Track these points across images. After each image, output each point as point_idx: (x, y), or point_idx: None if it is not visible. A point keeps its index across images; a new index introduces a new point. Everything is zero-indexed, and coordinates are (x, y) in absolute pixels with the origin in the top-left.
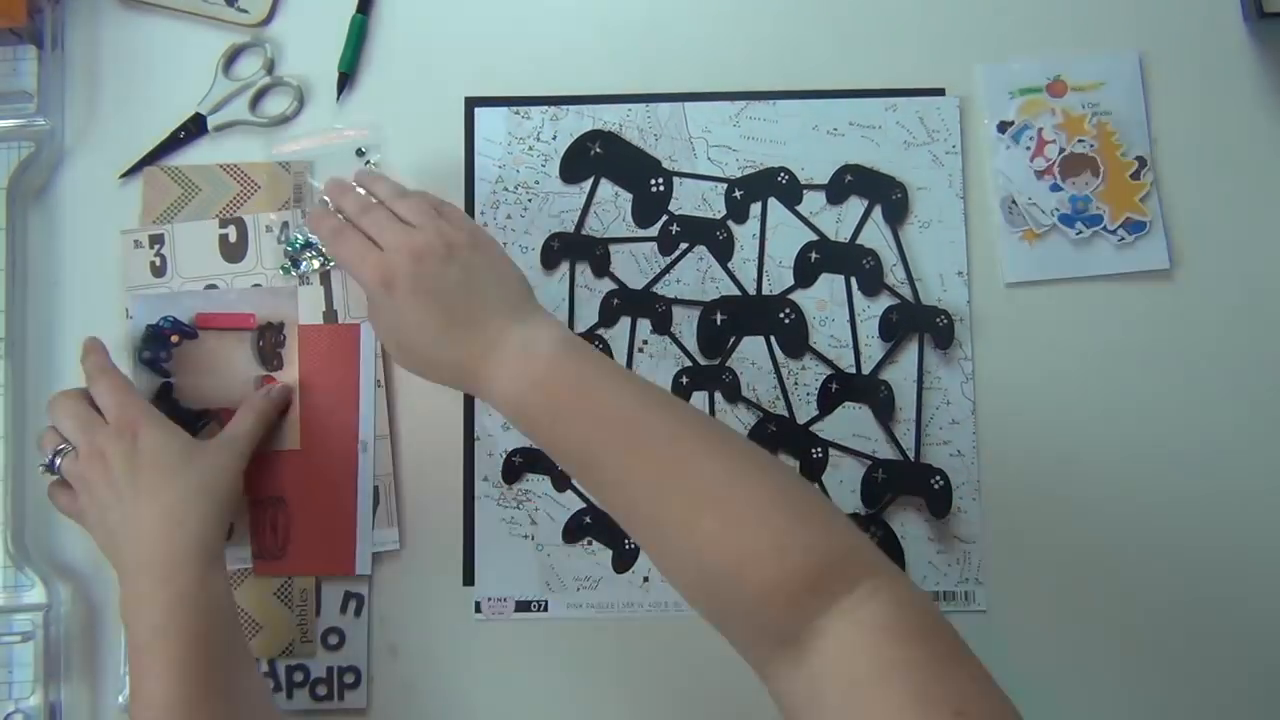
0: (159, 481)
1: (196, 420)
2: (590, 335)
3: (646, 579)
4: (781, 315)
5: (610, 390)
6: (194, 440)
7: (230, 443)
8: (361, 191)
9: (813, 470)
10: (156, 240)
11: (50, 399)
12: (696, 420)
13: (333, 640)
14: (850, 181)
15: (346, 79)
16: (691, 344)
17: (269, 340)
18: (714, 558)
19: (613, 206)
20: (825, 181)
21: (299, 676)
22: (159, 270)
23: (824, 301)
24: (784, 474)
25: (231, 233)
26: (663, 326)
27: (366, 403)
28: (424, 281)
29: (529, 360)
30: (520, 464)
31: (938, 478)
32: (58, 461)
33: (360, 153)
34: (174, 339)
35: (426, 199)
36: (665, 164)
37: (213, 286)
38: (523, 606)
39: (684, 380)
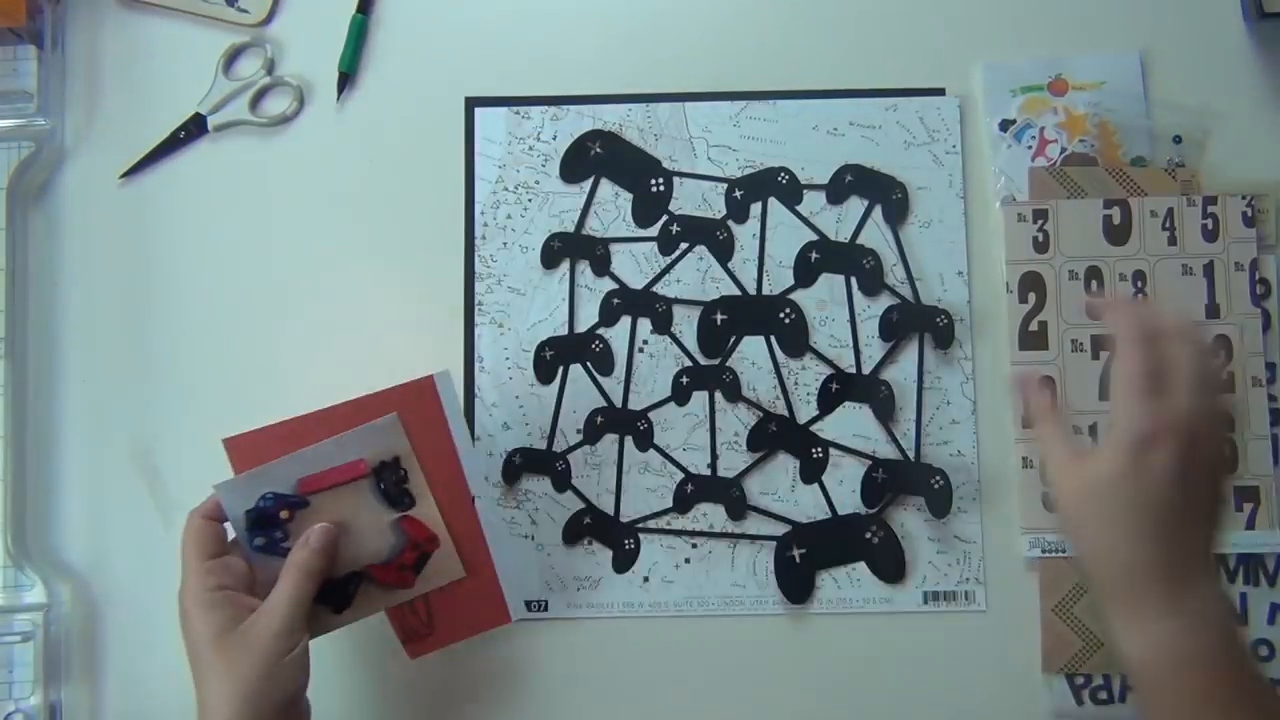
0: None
1: (347, 587)
2: (590, 335)
3: (646, 579)
4: (782, 315)
5: (1258, 695)
6: (221, 632)
7: (266, 619)
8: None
9: (813, 470)
10: (1039, 215)
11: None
12: None
13: None
14: (850, 181)
15: (346, 79)
16: (692, 344)
17: (390, 481)
18: None
19: (613, 206)
20: (825, 181)
21: None
22: (1040, 246)
23: (824, 301)
24: None
25: (1115, 215)
26: (663, 326)
27: (466, 454)
28: (1185, 472)
29: (1202, 631)
30: (520, 464)
31: (938, 478)
32: None
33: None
34: (284, 515)
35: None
36: (665, 164)
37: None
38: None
39: (684, 380)
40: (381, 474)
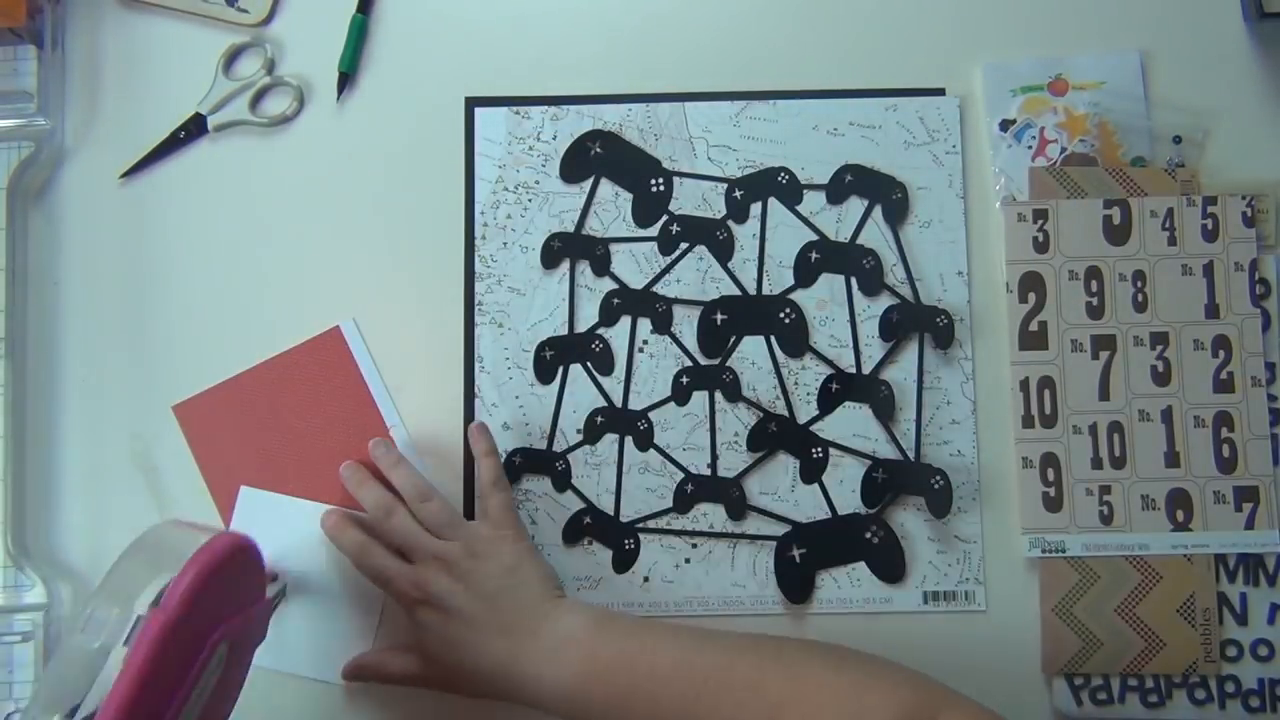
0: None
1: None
2: (590, 335)
3: (647, 579)
4: (782, 315)
5: (655, 642)
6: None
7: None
8: (376, 492)
9: (813, 470)
10: (1039, 215)
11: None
12: (741, 638)
13: None
14: (850, 181)
15: (346, 79)
16: (692, 344)
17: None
18: None
19: (613, 206)
20: (825, 181)
21: None
22: (1040, 246)
23: (824, 301)
24: (836, 650)
25: (1115, 215)
26: (663, 326)
27: (378, 392)
28: (453, 598)
29: (572, 647)
30: (520, 464)
31: (938, 478)
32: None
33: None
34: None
35: (446, 505)
36: (665, 164)
37: None
38: None
39: (684, 380)
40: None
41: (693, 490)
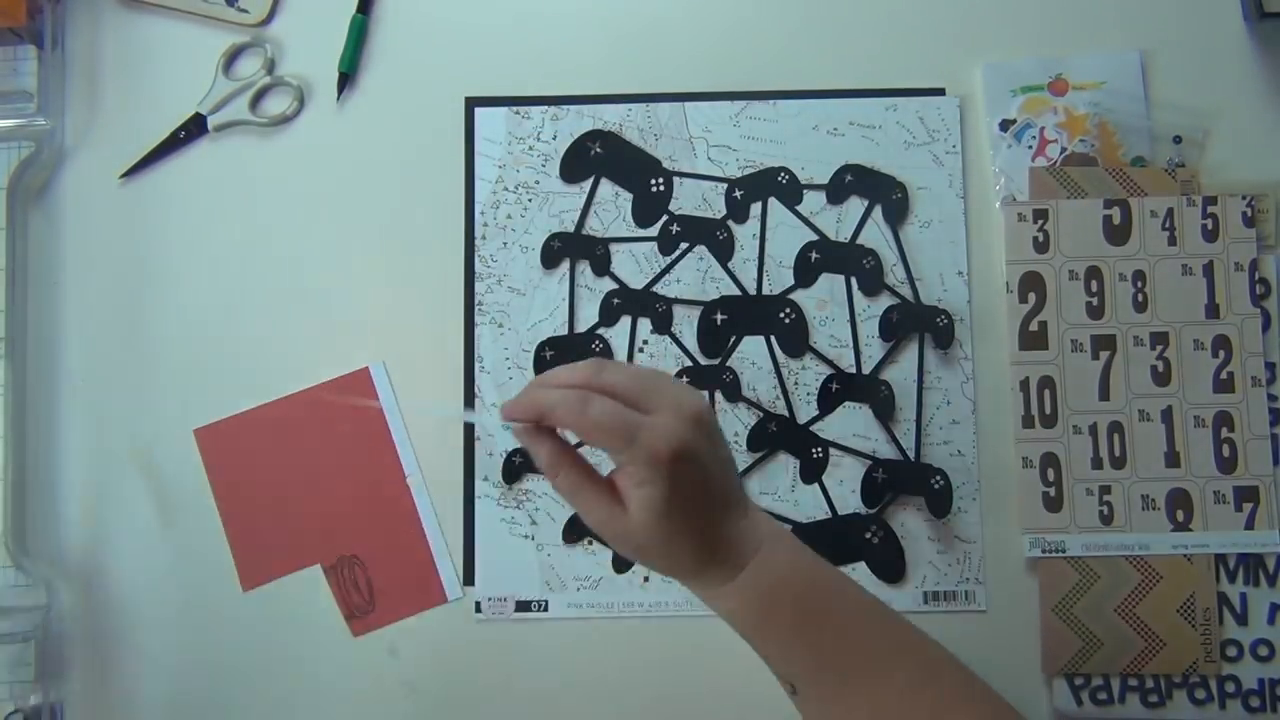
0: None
1: None
2: (590, 335)
3: (646, 579)
4: (782, 315)
5: (852, 599)
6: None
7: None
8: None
9: (813, 470)
10: (1039, 215)
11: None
12: (920, 640)
13: None
14: (850, 181)
15: (346, 79)
16: (692, 344)
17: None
18: None
19: (613, 206)
20: (825, 181)
21: None
22: (1040, 246)
23: (824, 301)
24: (981, 690)
25: (1115, 215)
26: (663, 326)
27: (400, 439)
28: (702, 461)
29: (780, 553)
30: (520, 464)
31: (938, 478)
32: None
33: None
34: None
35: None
36: (665, 164)
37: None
38: (523, 606)
39: (684, 380)
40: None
41: None
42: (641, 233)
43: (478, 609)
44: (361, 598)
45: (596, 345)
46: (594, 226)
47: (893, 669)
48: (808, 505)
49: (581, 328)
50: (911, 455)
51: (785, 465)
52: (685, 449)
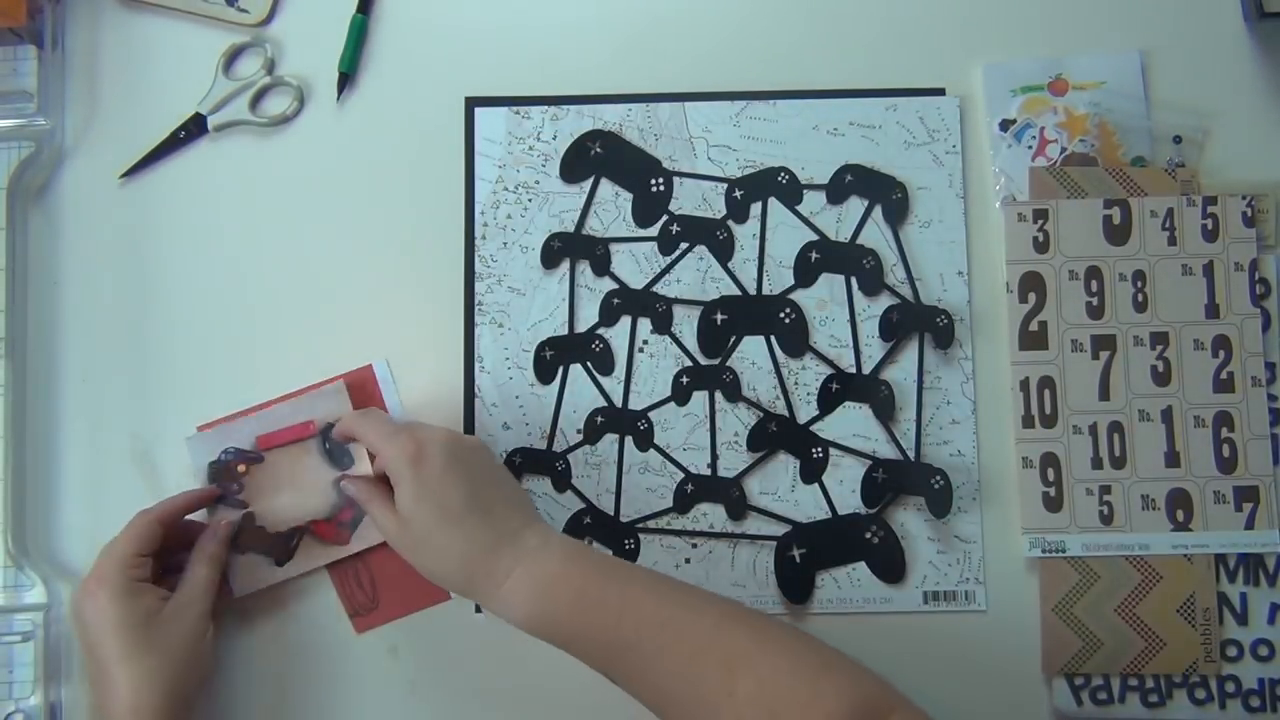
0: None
1: (288, 541)
2: (590, 335)
3: None
4: (782, 315)
5: (629, 578)
6: (146, 617)
7: (186, 606)
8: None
9: (813, 470)
10: (1039, 215)
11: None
12: (711, 595)
13: None
14: (850, 181)
15: (346, 79)
16: (692, 344)
17: (333, 441)
18: (755, 716)
19: (613, 206)
20: (825, 181)
21: None
22: (1040, 246)
23: (824, 301)
24: (798, 633)
25: (1115, 214)
26: (663, 326)
27: None
28: (457, 455)
29: (547, 557)
30: (520, 464)
31: (938, 478)
32: None
33: None
34: (241, 468)
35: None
36: (665, 164)
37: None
38: None
39: (684, 380)
40: (326, 434)
41: (693, 490)
42: (641, 233)
43: (477, 609)
44: (365, 595)
45: (596, 345)
46: (594, 226)
47: (700, 614)
48: (808, 505)
49: (581, 328)
50: (911, 455)
51: (785, 465)
52: (426, 451)
